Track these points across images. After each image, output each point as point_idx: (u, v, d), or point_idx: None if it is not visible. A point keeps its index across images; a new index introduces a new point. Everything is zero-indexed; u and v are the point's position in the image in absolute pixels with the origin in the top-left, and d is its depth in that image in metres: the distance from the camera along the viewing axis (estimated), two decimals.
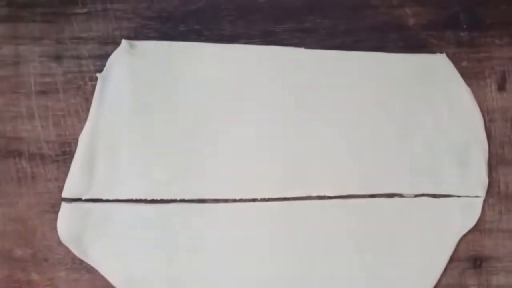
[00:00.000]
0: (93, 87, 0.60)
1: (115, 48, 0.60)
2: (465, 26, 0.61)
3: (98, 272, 0.59)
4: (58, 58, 0.61)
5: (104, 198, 0.59)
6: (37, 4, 0.61)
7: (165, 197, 0.59)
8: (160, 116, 0.60)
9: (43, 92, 0.61)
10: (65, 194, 0.59)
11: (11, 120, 0.61)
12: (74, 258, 0.59)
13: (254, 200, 0.60)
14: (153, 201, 0.59)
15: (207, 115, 0.60)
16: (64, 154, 0.60)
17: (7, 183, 0.60)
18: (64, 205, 0.59)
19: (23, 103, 0.61)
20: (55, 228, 0.59)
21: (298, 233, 0.59)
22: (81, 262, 0.59)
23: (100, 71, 0.60)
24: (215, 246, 0.59)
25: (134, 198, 0.59)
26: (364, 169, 0.60)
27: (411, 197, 0.60)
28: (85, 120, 0.60)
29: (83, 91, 0.61)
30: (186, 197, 0.59)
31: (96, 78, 0.60)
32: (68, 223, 0.59)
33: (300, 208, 0.59)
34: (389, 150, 0.60)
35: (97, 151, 0.59)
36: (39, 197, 0.60)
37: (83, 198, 0.59)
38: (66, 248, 0.59)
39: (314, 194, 0.60)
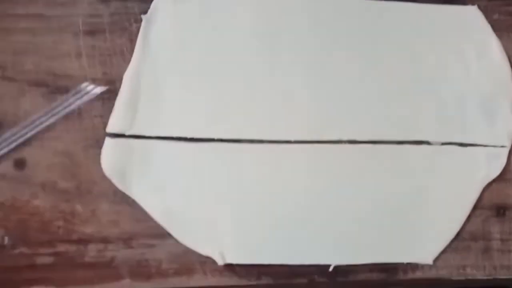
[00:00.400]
0: (138, 28, 0.63)
1: None
2: None
3: (139, 206, 0.61)
4: (105, 0, 0.64)
5: (146, 134, 0.62)
6: None
7: (203, 136, 0.62)
8: (201, 58, 0.62)
9: (90, 32, 0.64)
10: (109, 129, 0.62)
11: (59, 58, 0.63)
12: (116, 191, 0.62)
13: (288, 141, 0.62)
14: (192, 139, 0.62)
15: (246, 57, 0.62)
16: (109, 92, 0.63)
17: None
18: (108, 139, 0.62)
19: (71, 42, 0.64)
20: (99, 162, 0.62)
21: (329, 175, 0.61)
22: (123, 195, 0.62)
23: (145, 13, 0.63)
24: (249, 185, 0.61)
25: (174, 136, 0.62)
26: (393, 116, 0.62)
27: (438, 145, 0.62)
28: (129, 60, 0.63)
29: (128, 32, 0.63)
30: (224, 137, 0.62)
31: (141, 20, 0.63)
32: (111, 157, 0.62)
33: (331, 151, 0.61)
34: (418, 99, 0.62)
35: (141, 89, 0.62)
36: (85, 132, 0.63)
37: (126, 134, 0.62)
38: (109, 181, 0.62)
39: (345, 138, 0.62)
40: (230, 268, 0.62)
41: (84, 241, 0.62)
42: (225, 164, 0.62)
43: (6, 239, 0.62)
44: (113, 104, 0.62)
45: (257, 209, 0.61)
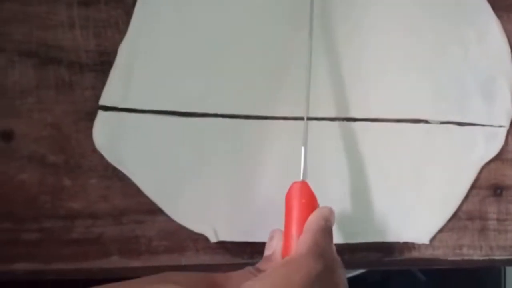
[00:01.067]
0: (134, 1, 0.59)
1: None
2: None
3: (130, 180, 0.58)
4: None
5: (139, 108, 0.58)
6: None
7: (198, 111, 0.59)
8: (198, 32, 0.59)
9: (84, 3, 0.59)
10: (102, 101, 0.58)
11: (52, 28, 0.59)
12: (107, 166, 0.58)
13: (285, 118, 0.60)
14: (186, 114, 0.59)
15: (245, 32, 0.59)
16: (103, 64, 0.59)
17: (46, 89, 0.59)
18: (100, 112, 0.58)
19: (64, 12, 0.60)
20: (89, 136, 0.58)
21: (326, 153, 0.59)
22: (114, 169, 0.58)
23: None
24: (244, 162, 0.59)
25: (168, 110, 0.59)
26: (391, 93, 0.59)
27: (436, 123, 0.61)
28: (124, 32, 0.58)
29: (124, 4, 0.59)
30: (219, 112, 0.59)
31: None
32: (103, 131, 0.58)
33: (328, 128, 0.60)
34: (418, 77, 0.59)
35: (136, 62, 0.58)
36: (76, 105, 0.59)
37: (119, 107, 0.59)
38: (100, 155, 0.58)
39: (342, 116, 0.60)
40: (223, 245, 0.58)
41: (71, 216, 0.58)
42: (220, 139, 0.58)
43: None
44: (106, 77, 0.58)
45: (252, 187, 0.59)
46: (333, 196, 0.58)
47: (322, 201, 0.54)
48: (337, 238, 0.57)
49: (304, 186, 0.51)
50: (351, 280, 0.66)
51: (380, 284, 0.73)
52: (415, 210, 0.57)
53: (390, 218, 0.57)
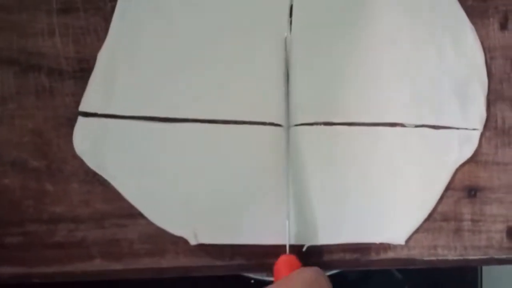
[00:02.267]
0: (113, 8, 0.59)
1: None
2: None
3: (111, 185, 0.58)
4: None
5: (119, 114, 0.58)
6: None
7: (177, 116, 0.59)
8: (178, 38, 0.59)
9: (64, 10, 0.60)
10: (82, 108, 0.58)
11: (33, 36, 0.59)
12: (87, 171, 0.58)
13: (263, 123, 0.59)
14: (166, 119, 0.59)
15: (224, 38, 0.59)
16: (82, 71, 0.59)
17: (26, 96, 0.59)
18: (80, 118, 0.59)
19: (45, 20, 0.60)
20: (70, 141, 0.58)
21: (305, 157, 0.59)
22: (95, 174, 0.58)
23: None
24: (223, 166, 0.59)
25: (147, 115, 0.59)
26: (368, 98, 0.59)
27: (412, 127, 0.61)
28: (103, 39, 0.58)
29: (103, 11, 0.59)
30: (198, 117, 0.59)
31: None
32: (83, 136, 0.58)
33: (307, 133, 0.60)
34: (393, 81, 0.59)
35: (115, 68, 0.58)
36: (56, 110, 0.59)
37: (99, 113, 0.59)
38: (80, 160, 0.58)
39: (320, 120, 0.60)
40: (203, 248, 0.58)
41: (54, 220, 0.58)
42: (199, 144, 0.58)
43: None
44: (85, 83, 0.58)
45: (230, 190, 0.59)
46: (311, 197, 0.58)
47: (300, 203, 0.57)
48: (314, 239, 0.57)
49: (291, 260, 0.54)
50: (331, 278, 0.67)
51: (360, 281, 0.74)
52: (391, 211, 0.58)
53: (367, 220, 0.58)
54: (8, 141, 0.58)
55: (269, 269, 0.57)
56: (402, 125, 0.58)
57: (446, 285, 0.72)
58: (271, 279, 0.62)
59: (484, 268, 0.75)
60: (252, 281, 0.71)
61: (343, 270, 0.61)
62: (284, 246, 0.56)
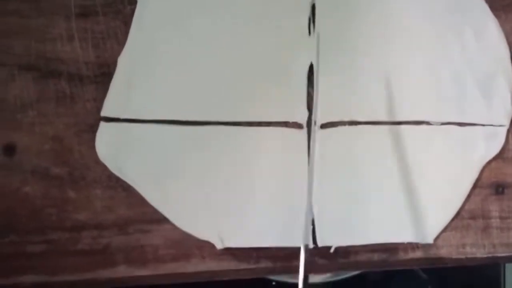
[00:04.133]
0: (132, 11, 0.57)
1: None
2: None
3: (134, 190, 0.56)
4: None
5: (141, 118, 0.57)
6: None
7: (199, 119, 0.57)
8: (197, 40, 0.57)
9: (83, 15, 0.59)
10: (104, 113, 0.56)
11: (51, 41, 0.58)
12: (110, 176, 0.57)
13: (286, 124, 0.58)
14: (188, 122, 0.58)
15: (243, 40, 0.58)
16: (103, 76, 0.57)
17: (46, 102, 0.57)
18: (102, 124, 0.57)
19: (63, 24, 0.59)
20: (92, 147, 0.56)
21: (330, 158, 0.58)
22: (117, 180, 0.56)
23: None
24: (247, 168, 0.57)
25: (170, 119, 0.58)
26: (393, 96, 0.58)
27: (437, 125, 0.60)
28: (123, 43, 0.57)
29: (122, 15, 0.58)
30: (220, 119, 0.58)
31: (135, 2, 0.58)
32: (106, 142, 0.56)
33: (331, 133, 0.58)
34: (417, 79, 0.57)
35: (135, 72, 0.56)
36: (77, 117, 0.57)
37: (121, 117, 0.57)
38: (103, 166, 0.56)
39: (345, 120, 0.59)
40: (229, 252, 0.57)
41: (77, 228, 0.56)
42: (222, 147, 0.57)
43: None
44: (106, 88, 0.57)
45: (256, 192, 0.58)
46: (337, 198, 0.57)
47: (327, 204, 0.55)
48: (342, 240, 0.56)
49: None
50: (351, 279, 0.66)
51: (382, 282, 0.72)
52: (417, 210, 0.56)
53: (394, 219, 0.56)
54: (28, 149, 0.56)
55: (295, 272, 0.56)
56: (427, 123, 0.57)
57: (469, 284, 0.71)
58: (293, 281, 0.61)
59: (507, 266, 0.73)
60: (274, 283, 0.70)
61: (367, 271, 0.59)
62: (310, 248, 0.55)
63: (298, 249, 0.54)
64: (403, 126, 0.56)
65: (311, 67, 0.58)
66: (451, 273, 0.67)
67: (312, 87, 0.57)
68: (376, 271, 0.62)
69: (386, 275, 0.70)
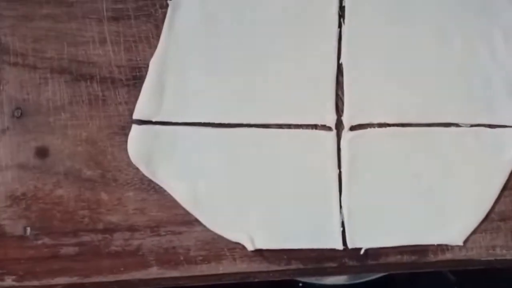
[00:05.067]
0: (164, 14, 0.57)
1: None
2: None
3: (166, 192, 0.56)
4: None
5: (173, 120, 0.57)
6: None
7: (231, 121, 0.58)
8: (228, 42, 0.57)
9: (114, 18, 0.59)
10: (136, 116, 0.57)
11: (83, 45, 0.58)
12: (142, 179, 0.57)
13: (315, 126, 0.58)
14: (220, 125, 0.58)
15: (274, 41, 0.58)
16: (135, 79, 0.58)
17: (79, 105, 0.57)
18: (135, 126, 0.57)
19: (95, 28, 0.59)
20: (124, 150, 0.57)
21: (359, 160, 0.58)
22: (150, 182, 0.57)
23: None
24: (277, 170, 0.58)
25: (201, 121, 0.58)
26: (422, 98, 0.58)
27: (467, 126, 0.60)
28: (155, 46, 0.57)
29: (154, 18, 0.58)
30: (251, 122, 0.58)
31: (167, 5, 0.58)
32: (138, 144, 0.56)
33: (362, 135, 0.58)
34: (447, 81, 0.57)
35: (167, 75, 0.57)
36: (110, 119, 0.58)
37: (153, 120, 0.58)
38: (135, 168, 0.57)
39: (375, 122, 0.60)
40: (259, 253, 0.57)
41: (110, 230, 0.57)
42: (253, 149, 0.57)
43: (29, 230, 0.57)
44: (138, 91, 0.57)
45: (285, 194, 0.58)
46: (367, 200, 0.57)
47: (357, 206, 0.56)
48: (372, 242, 0.56)
49: None
50: (377, 281, 0.66)
51: (408, 284, 0.72)
52: (448, 212, 0.56)
53: (424, 221, 0.56)
54: (61, 151, 0.56)
55: (325, 273, 0.56)
56: (457, 125, 0.57)
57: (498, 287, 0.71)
58: (320, 282, 0.61)
59: None
60: (300, 284, 0.70)
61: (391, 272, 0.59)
62: (339, 250, 0.56)
63: (329, 251, 0.55)
64: (432, 128, 0.56)
65: (340, 69, 0.57)
66: (479, 276, 0.67)
67: (342, 89, 0.56)
68: (402, 273, 0.62)
69: (411, 275, 0.69)
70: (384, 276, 0.65)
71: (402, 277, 0.71)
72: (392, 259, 0.56)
